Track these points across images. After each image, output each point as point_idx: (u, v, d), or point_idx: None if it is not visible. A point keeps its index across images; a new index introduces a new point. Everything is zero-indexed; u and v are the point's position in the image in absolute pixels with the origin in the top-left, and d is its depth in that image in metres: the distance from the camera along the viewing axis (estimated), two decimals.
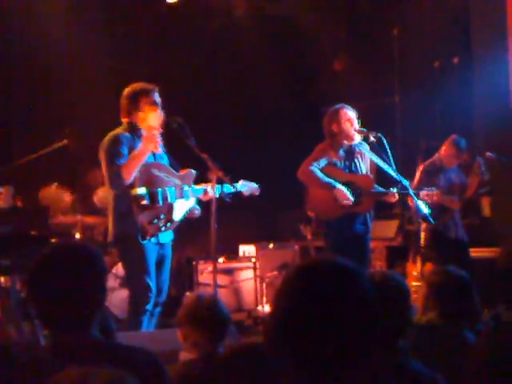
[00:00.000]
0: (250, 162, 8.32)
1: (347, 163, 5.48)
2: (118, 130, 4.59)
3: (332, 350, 1.32)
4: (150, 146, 4.45)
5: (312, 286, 1.35)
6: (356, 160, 5.50)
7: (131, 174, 4.36)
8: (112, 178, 4.41)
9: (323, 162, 5.40)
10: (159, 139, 4.51)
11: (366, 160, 5.55)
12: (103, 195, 6.60)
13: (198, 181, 4.83)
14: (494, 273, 2.86)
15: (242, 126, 8.61)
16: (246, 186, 5.03)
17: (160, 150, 4.60)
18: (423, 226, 6.29)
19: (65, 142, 5.85)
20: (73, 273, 2.05)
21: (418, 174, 6.33)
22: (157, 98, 4.63)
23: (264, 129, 8.85)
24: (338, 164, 5.44)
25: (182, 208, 4.65)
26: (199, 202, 4.84)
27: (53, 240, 5.62)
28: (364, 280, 1.40)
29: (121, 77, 6.48)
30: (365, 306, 1.36)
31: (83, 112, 7.38)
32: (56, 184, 6.97)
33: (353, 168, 5.49)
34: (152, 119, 4.55)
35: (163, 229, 4.49)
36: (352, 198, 5.31)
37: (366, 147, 5.50)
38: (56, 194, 6.95)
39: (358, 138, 5.43)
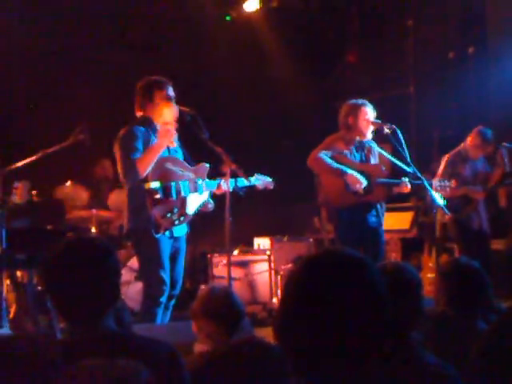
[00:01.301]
0: (264, 154, 8.33)
1: (358, 157, 5.47)
2: (133, 124, 4.60)
3: (341, 341, 1.32)
4: (166, 141, 4.46)
5: (318, 276, 1.35)
6: (366, 155, 5.50)
7: (146, 168, 4.38)
8: (127, 172, 4.43)
9: (333, 152, 5.39)
10: (174, 134, 4.53)
11: (376, 156, 5.55)
12: (117, 198, 6.63)
13: (211, 174, 4.84)
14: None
15: (255, 118, 8.60)
16: (259, 180, 5.04)
17: (175, 144, 4.61)
18: (447, 217, 6.26)
19: (80, 136, 5.87)
20: (86, 266, 2.09)
21: (442, 164, 6.34)
22: (171, 91, 4.64)
23: (278, 121, 8.85)
24: (348, 155, 5.43)
25: (195, 202, 4.66)
26: (213, 195, 4.85)
27: (69, 234, 5.67)
28: (371, 270, 1.39)
29: (133, 70, 6.50)
30: (372, 296, 1.36)
31: (96, 106, 7.41)
32: (71, 181, 7.01)
33: (363, 161, 5.49)
34: (166, 114, 4.56)
35: (177, 222, 4.50)
36: (365, 182, 5.29)
37: (374, 144, 5.52)
38: (72, 192, 6.99)
39: (369, 136, 5.43)
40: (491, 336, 1.59)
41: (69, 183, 6.98)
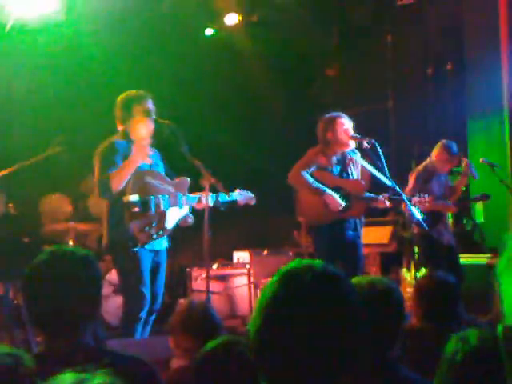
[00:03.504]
0: (243, 167, 8.33)
1: (338, 169, 5.48)
2: (114, 137, 4.58)
3: (315, 357, 1.32)
4: (140, 157, 4.43)
5: (292, 290, 1.35)
6: (348, 167, 5.51)
7: (120, 183, 4.35)
8: (100, 186, 4.41)
9: (314, 167, 5.40)
10: (149, 149, 4.50)
11: (358, 167, 5.55)
12: (95, 202, 6.59)
13: (191, 187, 4.82)
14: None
15: (234, 131, 8.60)
16: (241, 195, 5.02)
17: (150, 161, 4.57)
18: (415, 231, 6.25)
19: (57, 149, 5.83)
20: (68, 279, 2.05)
21: (411, 181, 6.26)
22: (150, 105, 4.62)
23: (258, 135, 8.86)
24: (329, 169, 5.44)
25: (174, 216, 4.63)
26: (193, 208, 4.83)
27: (46, 247, 5.60)
28: (346, 284, 1.39)
29: (114, 83, 6.47)
30: (346, 312, 1.35)
31: (75, 118, 7.37)
32: (57, 193, 6.96)
33: (344, 174, 5.49)
34: (141, 129, 4.54)
35: (155, 236, 4.47)
36: (342, 203, 5.30)
37: (357, 154, 5.51)
38: (56, 203, 6.94)
39: (352, 145, 5.43)
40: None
41: (55, 195, 6.93)
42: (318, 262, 1.41)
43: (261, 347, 1.35)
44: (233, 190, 4.93)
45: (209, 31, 8.70)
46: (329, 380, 1.33)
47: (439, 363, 1.64)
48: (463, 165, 6.35)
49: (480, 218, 8.00)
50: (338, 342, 1.32)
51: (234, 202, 4.98)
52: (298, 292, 1.34)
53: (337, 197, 5.31)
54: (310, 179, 5.35)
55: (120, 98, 4.63)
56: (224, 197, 4.82)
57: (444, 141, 6.32)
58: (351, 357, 1.34)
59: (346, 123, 5.39)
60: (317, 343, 1.31)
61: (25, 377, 1.73)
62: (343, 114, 5.46)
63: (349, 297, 1.37)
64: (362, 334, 1.36)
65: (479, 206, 7.82)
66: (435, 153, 6.29)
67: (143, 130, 4.53)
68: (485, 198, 6.61)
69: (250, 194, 5.11)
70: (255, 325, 1.36)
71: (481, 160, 6.59)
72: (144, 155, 4.45)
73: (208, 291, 4.82)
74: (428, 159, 6.36)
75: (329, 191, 5.32)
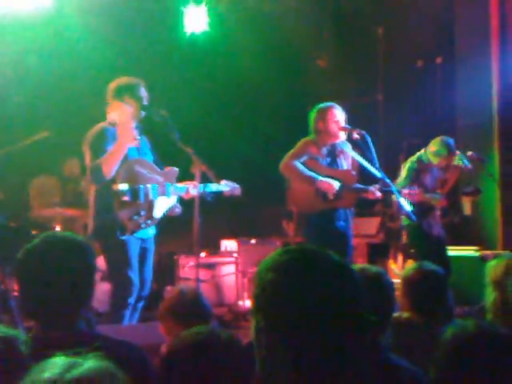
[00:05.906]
0: (233, 157, 8.32)
1: (329, 160, 5.49)
2: (104, 124, 4.55)
3: (313, 341, 1.32)
4: (127, 140, 4.40)
5: (295, 261, 1.36)
6: (338, 158, 5.52)
7: (111, 169, 4.33)
8: (92, 173, 4.39)
9: (305, 157, 5.41)
10: (134, 132, 4.47)
11: (348, 158, 5.57)
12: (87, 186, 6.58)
13: (181, 175, 4.81)
14: None
15: (225, 121, 8.58)
16: (227, 186, 5.02)
17: (137, 143, 4.54)
18: (405, 222, 6.25)
19: (45, 133, 5.78)
20: (62, 265, 2.05)
21: (403, 171, 6.19)
22: (143, 92, 4.60)
23: (248, 124, 8.85)
24: (320, 160, 5.45)
25: (163, 205, 4.63)
26: (181, 198, 4.82)
27: (33, 232, 5.57)
28: (350, 272, 1.41)
29: (105, 69, 6.44)
30: (352, 298, 1.37)
31: (63, 104, 7.32)
32: (47, 175, 6.92)
33: (334, 165, 5.50)
34: (122, 113, 4.51)
35: (143, 225, 4.47)
36: (337, 184, 5.30)
37: (348, 146, 5.52)
38: (46, 184, 6.91)
39: (342, 137, 5.44)
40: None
41: (44, 176, 6.89)
42: (320, 248, 1.43)
43: (264, 325, 1.35)
44: (219, 180, 4.93)
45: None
46: (333, 363, 1.33)
47: (435, 350, 1.66)
48: (455, 158, 6.30)
49: (467, 210, 8.05)
50: (342, 327, 1.33)
51: (221, 192, 4.99)
52: (303, 262, 1.35)
53: (330, 180, 5.31)
54: (302, 168, 5.36)
55: (112, 84, 4.60)
56: (210, 187, 4.82)
57: (443, 137, 6.18)
58: (355, 343, 1.35)
59: (338, 114, 5.40)
60: (322, 319, 1.32)
61: (16, 362, 1.72)
62: (336, 105, 5.46)
63: (354, 283, 1.39)
64: (365, 320, 1.37)
65: (466, 199, 7.86)
66: (433, 147, 6.14)
67: (124, 113, 4.49)
68: (477, 192, 6.60)
69: (236, 185, 5.11)
70: (259, 302, 1.36)
71: (469, 154, 6.59)
72: (131, 138, 4.42)
73: (198, 279, 4.82)
74: (422, 150, 6.26)
75: (321, 178, 5.32)
